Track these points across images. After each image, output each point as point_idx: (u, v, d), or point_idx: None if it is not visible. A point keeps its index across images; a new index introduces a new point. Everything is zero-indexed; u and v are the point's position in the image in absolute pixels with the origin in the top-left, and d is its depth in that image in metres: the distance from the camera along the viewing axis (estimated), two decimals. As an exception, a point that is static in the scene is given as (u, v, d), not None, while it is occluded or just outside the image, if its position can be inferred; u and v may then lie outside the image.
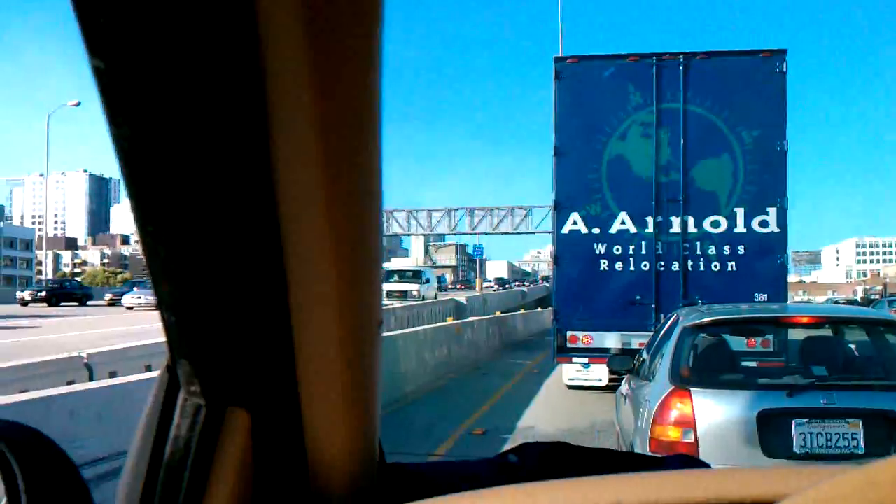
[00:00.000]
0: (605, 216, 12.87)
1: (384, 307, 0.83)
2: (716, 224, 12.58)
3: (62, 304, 44.92)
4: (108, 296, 48.91)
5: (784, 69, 12.50)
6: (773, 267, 12.45)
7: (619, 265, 12.84)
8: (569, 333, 12.97)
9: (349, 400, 0.82)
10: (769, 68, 12.55)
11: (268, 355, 0.78)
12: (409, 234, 76.40)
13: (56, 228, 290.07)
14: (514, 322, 28.84)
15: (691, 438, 4.96)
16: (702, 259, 12.63)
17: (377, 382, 0.86)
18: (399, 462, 1.06)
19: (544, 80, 13.60)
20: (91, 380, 8.78)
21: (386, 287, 36.46)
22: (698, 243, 12.64)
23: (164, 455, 0.80)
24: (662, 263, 12.73)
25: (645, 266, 12.77)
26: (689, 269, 12.66)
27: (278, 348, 0.77)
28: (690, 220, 12.66)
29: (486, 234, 69.00)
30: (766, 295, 12.23)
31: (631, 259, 12.82)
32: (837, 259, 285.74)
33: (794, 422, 4.94)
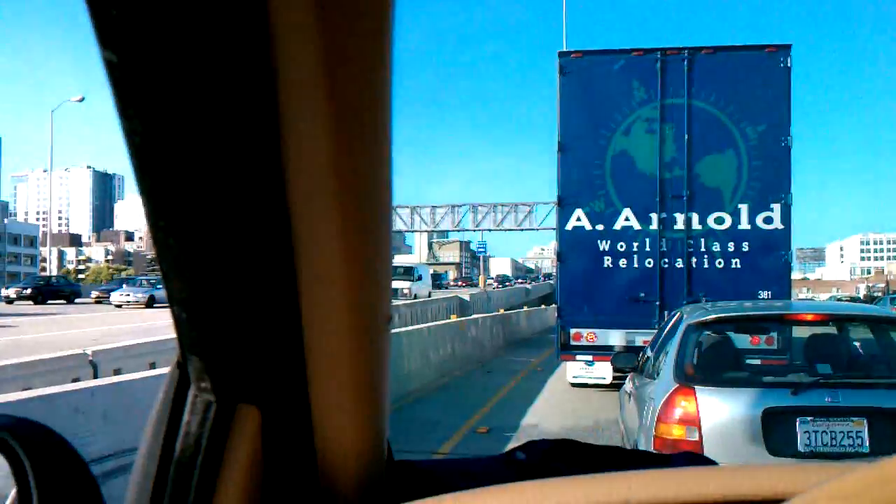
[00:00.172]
0: (608, 213, 12.85)
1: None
2: (720, 221, 12.55)
3: (49, 301, 43.84)
4: (94, 293, 47.58)
5: (789, 64, 12.46)
6: (777, 264, 12.43)
7: (622, 262, 12.83)
8: (573, 331, 12.96)
9: (358, 396, 0.82)
10: (774, 63, 12.52)
11: (278, 352, 0.78)
12: (412, 231, 76.22)
13: (60, 225, 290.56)
14: (517, 319, 28.81)
15: (696, 436, 4.96)
16: (706, 256, 12.61)
17: (386, 379, 0.86)
18: (407, 459, 1.06)
19: (549, 75, 13.58)
20: (96, 377, 8.79)
21: None
22: (702, 240, 12.61)
23: (174, 451, 0.81)
24: (666, 260, 12.71)
25: (649, 263, 12.75)
26: (693, 266, 12.64)
27: (288, 345, 0.77)
28: (694, 217, 12.63)
29: (490, 230, 68.96)
30: (770, 292, 12.21)
31: (635, 256, 12.80)
32: (842, 256, 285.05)
33: (798, 420, 4.93)
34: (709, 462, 1.12)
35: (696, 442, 4.93)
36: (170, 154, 0.62)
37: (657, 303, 12.59)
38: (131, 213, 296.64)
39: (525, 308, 35.96)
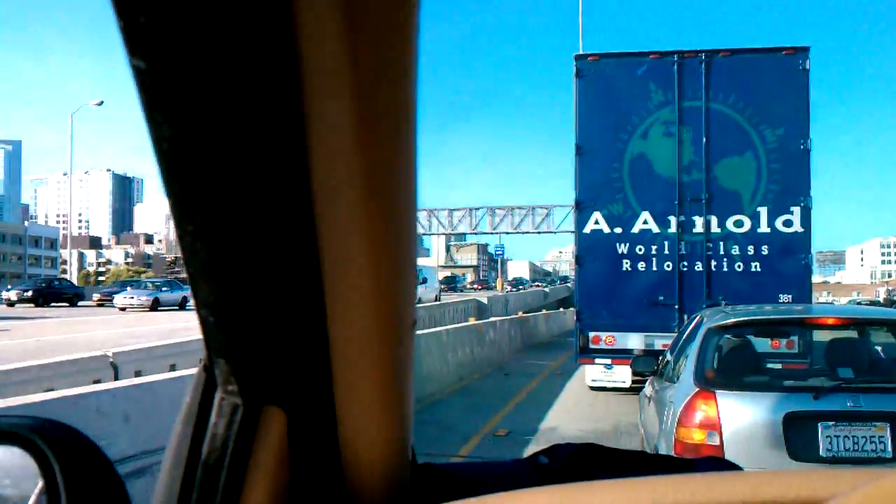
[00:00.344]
0: (627, 216, 12.82)
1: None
2: (739, 224, 12.49)
3: (52, 304, 43.14)
4: (96, 296, 46.11)
5: (807, 66, 12.39)
6: (797, 267, 12.36)
7: (641, 265, 12.79)
8: (591, 334, 12.93)
9: (383, 399, 0.83)
10: (792, 66, 12.45)
11: (304, 355, 0.78)
12: (430, 234, 76.46)
13: (80, 227, 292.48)
14: (536, 322, 28.79)
15: (716, 441, 4.93)
16: (725, 259, 12.55)
17: (410, 383, 0.86)
18: (431, 462, 1.06)
19: (566, 79, 13.56)
20: (117, 378, 8.85)
21: None
22: (721, 243, 12.56)
23: (201, 454, 0.81)
24: (685, 264, 12.66)
25: (668, 266, 12.71)
26: (713, 269, 12.58)
27: (314, 347, 0.77)
28: (713, 220, 12.58)
29: (508, 233, 69.02)
30: (790, 295, 12.14)
31: (653, 259, 12.76)
32: (862, 259, 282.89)
33: (820, 425, 4.90)
34: (733, 467, 1.12)
35: (716, 446, 4.91)
36: (198, 159, 0.63)
37: (676, 306, 12.54)
38: (151, 215, 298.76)
39: (543, 311, 35.91)
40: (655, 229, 12.72)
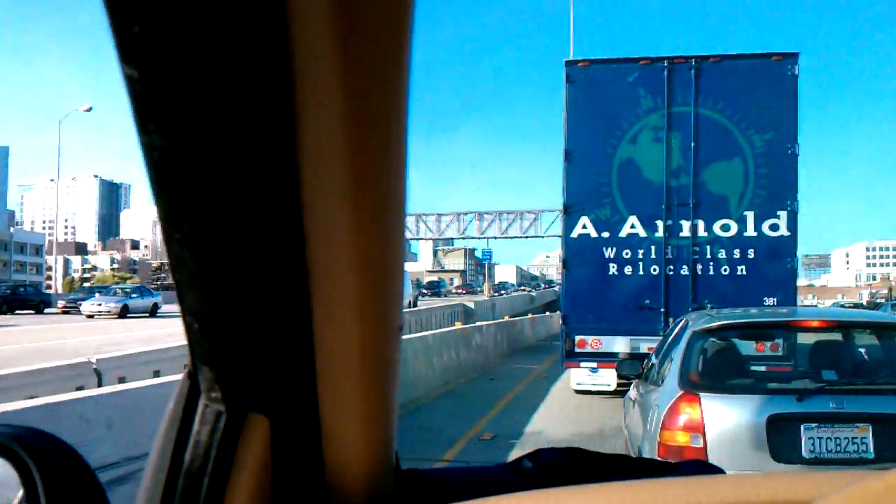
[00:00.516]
0: (614, 220, 12.85)
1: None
2: (726, 228, 12.54)
3: (17, 311, 40.92)
4: (60, 303, 43.25)
5: (796, 72, 12.45)
6: (782, 271, 12.41)
7: (628, 269, 12.83)
8: (577, 338, 12.96)
9: (368, 406, 0.83)
10: (781, 71, 12.51)
11: (289, 362, 0.78)
12: (417, 239, 76.28)
13: (66, 233, 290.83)
14: (522, 327, 28.79)
15: (700, 443, 4.95)
16: (711, 263, 12.60)
17: (394, 389, 0.86)
18: (415, 468, 1.06)
19: (555, 83, 13.59)
20: (100, 385, 8.80)
21: None
22: (708, 247, 12.61)
23: (183, 461, 0.81)
24: (672, 267, 12.70)
25: (654, 270, 12.75)
26: (699, 273, 12.63)
27: (299, 354, 0.77)
28: (700, 224, 12.63)
29: (495, 238, 69.02)
30: (775, 299, 12.20)
31: (640, 263, 12.80)
32: (847, 263, 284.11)
33: (803, 426, 4.92)
34: (716, 470, 1.13)
35: (700, 449, 4.93)
36: (189, 168, 0.63)
37: (662, 310, 12.58)
38: (137, 221, 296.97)
39: (530, 315, 35.93)
40: (642, 233, 12.76)
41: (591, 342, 12.88)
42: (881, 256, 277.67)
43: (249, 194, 0.66)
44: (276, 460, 0.82)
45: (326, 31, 0.57)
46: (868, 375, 5.96)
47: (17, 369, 8.64)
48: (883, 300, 69.06)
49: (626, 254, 12.81)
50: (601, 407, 12.75)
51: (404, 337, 14.99)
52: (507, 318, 29.59)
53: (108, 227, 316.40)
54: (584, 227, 12.94)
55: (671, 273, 12.69)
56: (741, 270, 12.49)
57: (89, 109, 60.20)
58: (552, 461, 1.10)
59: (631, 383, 7.45)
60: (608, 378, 13.11)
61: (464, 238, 73.87)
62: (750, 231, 12.45)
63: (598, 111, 12.98)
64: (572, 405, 13.25)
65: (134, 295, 39.10)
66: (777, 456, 4.89)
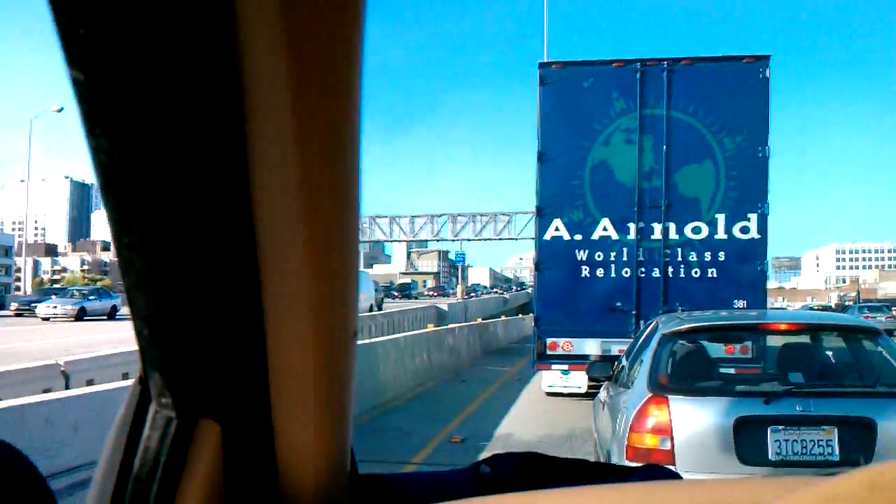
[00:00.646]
0: (587, 222, 12.91)
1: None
2: (697, 230, 12.63)
3: None
4: (13, 305, 42.51)
5: (767, 75, 12.54)
6: (752, 273, 12.51)
7: (600, 272, 12.88)
8: (549, 340, 12.99)
9: (321, 411, 0.82)
10: (753, 74, 12.60)
11: (241, 367, 0.77)
12: (391, 241, 76.21)
13: (36, 235, 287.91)
14: (494, 329, 28.82)
15: (668, 446, 4.97)
16: (682, 265, 12.68)
17: (350, 394, 0.85)
18: (372, 473, 1.06)
19: (529, 85, 13.64)
20: (67, 388, 8.72)
21: None
22: (679, 249, 12.69)
23: (133, 467, 0.80)
24: (643, 270, 12.77)
25: (626, 272, 12.81)
26: (670, 275, 12.71)
27: (251, 360, 0.77)
28: (672, 227, 12.70)
29: (469, 240, 69.09)
30: (745, 301, 12.29)
31: (612, 265, 12.86)
32: (817, 265, 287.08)
33: (769, 429, 4.96)
34: (673, 475, 1.13)
35: (668, 451, 4.95)
36: (135, 172, 0.62)
37: (633, 312, 12.64)
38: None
39: (503, 317, 35.98)
40: (615, 236, 12.82)
41: (563, 344, 12.92)
42: (851, 259, 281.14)
43: (199, 198, 0.65)
44: (228, 466, 0.81)
45: (275, 33, 0.57)
46: (835, 378, 6.01)
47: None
48: (851, 303, 70.03)
49: (599, 256, 12.87)
50: (572, 409, 12.77)
51: (375, 339, 15.02)
52: (479, 320, 29.62)
53: (79, 228, 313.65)
54: (557, 229, 12.99)
55: (643, 275, 12.76)
56: (712, 273, 12.58)
57: (60, 110, 59.67)
58: (510, 466, 1.10)
59: (602, 385, 7.47)
60: (579, 380, 13.16)
61: (437, 240, 73.88)
62: (720, 234, 12.54)
63: (572, 113, 13.02)
64: (543, 408, 13.26)
65: (91, 297, 37.94)
66: (744, 458, 4.92)
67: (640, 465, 1.19)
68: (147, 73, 0.57)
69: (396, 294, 73.93)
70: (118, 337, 19.68)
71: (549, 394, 13.82)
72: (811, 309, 61.03)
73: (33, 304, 39.03)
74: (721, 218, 12.55)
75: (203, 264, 0.69)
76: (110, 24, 0.54)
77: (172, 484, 0.78)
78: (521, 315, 41.30)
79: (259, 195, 0.65)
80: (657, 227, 12.71)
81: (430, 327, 22.14)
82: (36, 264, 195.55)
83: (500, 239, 68.09)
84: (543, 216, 13.12)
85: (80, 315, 35.23)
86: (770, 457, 4.91)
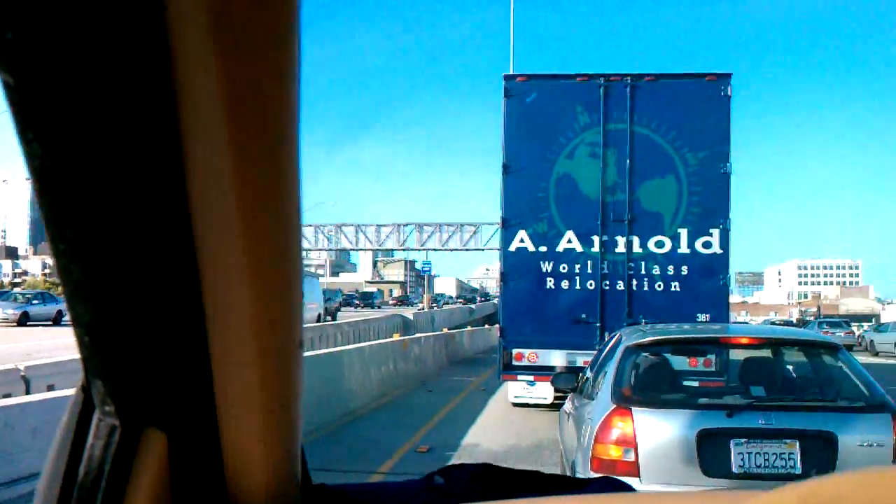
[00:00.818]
0: (551, 234, 12.97)
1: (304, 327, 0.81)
2: (660, 244, 12.74)
3: None
4: None
5: (729, 93, 12.74)
6: (715, 287, 12.65)
7: (564, 283, 12.94)
8: (514, 351, 13.02)
9: (268, 421, 0.81)
10: (714, 91, 12.77)
11: (185, 376, 0.76)
12: (357, 250, 76.16)
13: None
14: (460, 339, 28.87)
15: (632, 457, 5.00)
16: (646, 279, 12.78)
17: (298, 403, 0.85)
18: (325, 483, 1.05)
19: (495, 97, 13.70)
20: (28, 393, 8.60)
21: None
22: (643, 263, 12.79)
23: (77, 475, 0.78)
24: (607, 283, 12.86)
25: (590, 285, 12.88)
26: (634, 288, 12.80)
27: (196, 368, 0.75)
28: (635, 240, 12.80)
29: (436, 250, 69.17)
30: (708, 315, 12.41)
31: (577, 278, 12.93)
32: (780, 280, 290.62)
33: (732, 442, 5.00)
34: (626, 488, 1.13)
35: (632, 462, 4.97)
36: (68, 177, 0.61)
37: (598, 324, 12.71)
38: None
39: (469, 327, 36.06)
40: (579, 248, 12.89)
41: (529, 355, 12.95)
42: (812, 275, 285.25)
43: (134, 204, 0.64)
44: (175, 476, 0.80)
45: (205, 38, 0.56)
46: (796, 392, 6.08)
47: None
48: (812, 318, 71.08)
49: (563, 268, 12.93)
50: (538, 420, 12.81)
51: (341, 348, 14.98)
52: (445, 329, 29.67)
53: (41, 231, 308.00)
54: (522, 240, 13.03)
55: (607, 288, 12.85)
56: (675, 287, 12.69)
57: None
58: (464, 477, 1.09)
59: (567, 396, 7.50)
60: (545, 391, 13.21)
61: (404, 249, 73.91)
62: (683, 248, 12.66)
63: (536, 126, 13.10)
64: (509, 418, 13.29)
65: (35, 301, 36.05)
66: (707, 470, 4.95)
67: (593, 477, 1.19)
68: (77, 80, 0.56)
69: (358, 303, 73.53)
70: (63, 343, 18.90)
71: (515, 404, 13.87)
72: (773, 323, 61.82)
73: None
74: (684, 232, 12.68)
75: (141, 272, 0.68)
76: (39, 27, 0.54)
77: (118, 493, 0.77)
78: (486, 325, 41.42)
79: (196, 201, 0.65)
80: (621, 241, 12.81)
81: (396, 336, 22.13)
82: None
83: (467, 249, 68.25)
84: (508, 227, 13.17)
85: (23, 320, 33.56)
86: (733, 469, 4.95)
